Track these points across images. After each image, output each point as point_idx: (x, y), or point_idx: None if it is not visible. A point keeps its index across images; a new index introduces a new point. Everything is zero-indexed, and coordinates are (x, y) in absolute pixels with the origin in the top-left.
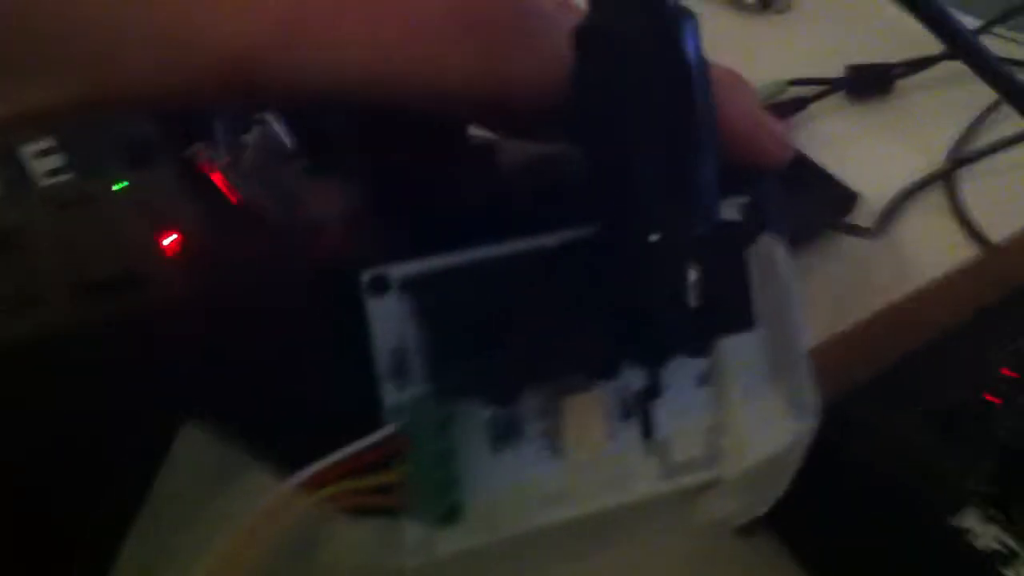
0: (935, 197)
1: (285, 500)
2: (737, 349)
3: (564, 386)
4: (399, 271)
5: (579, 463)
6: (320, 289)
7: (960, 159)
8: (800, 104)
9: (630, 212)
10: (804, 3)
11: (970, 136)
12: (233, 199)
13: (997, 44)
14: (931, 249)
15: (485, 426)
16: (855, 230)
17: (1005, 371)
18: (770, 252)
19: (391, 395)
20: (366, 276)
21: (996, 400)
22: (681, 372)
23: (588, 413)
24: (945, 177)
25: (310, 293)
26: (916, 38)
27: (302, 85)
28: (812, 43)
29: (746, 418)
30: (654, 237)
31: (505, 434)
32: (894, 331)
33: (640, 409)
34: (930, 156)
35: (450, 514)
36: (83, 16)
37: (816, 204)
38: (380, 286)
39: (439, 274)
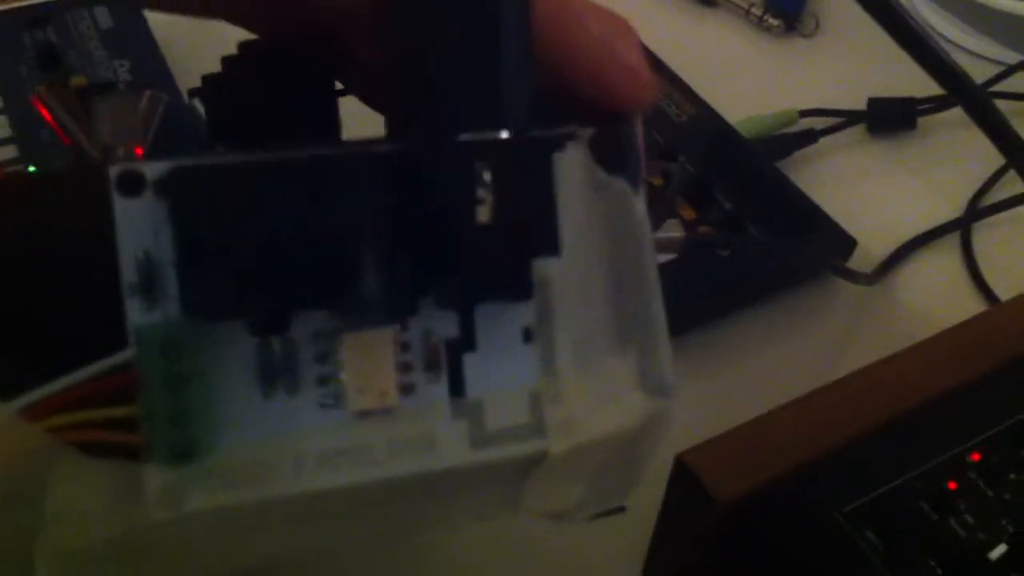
0: (948, 247)
1: (4, 427)
2: (570, 303)
3: (348, 320)
4: (155, 168)
5: (370, 420)
6: (70, 190)
7: (980, 208)
8: (809, 137)
9: (420, 113)
10: (832, 28)
11: (994, 183)
12: (63, 138)
13: None
14: (935, 304)
15: (251, 362)
16: (851, 275)
17: (975, 456)
18: (623, 202)
19: (137, 313)
20: (115, 171)
21: (956, 489)
22: (502, 324)
23: (374, 354)
24: (961, 226)
25: (61, 196)
26: None
27: None
28: (835, 72)
29: (581, 385)
30: (446, 139)
31: (277, 375)
32: (871, 394)
33: (449, 361)
34: (949, 201)
35: (186, 452)
36: None
37: (811, 247)
38: (132, 185)
39: (201, 173)
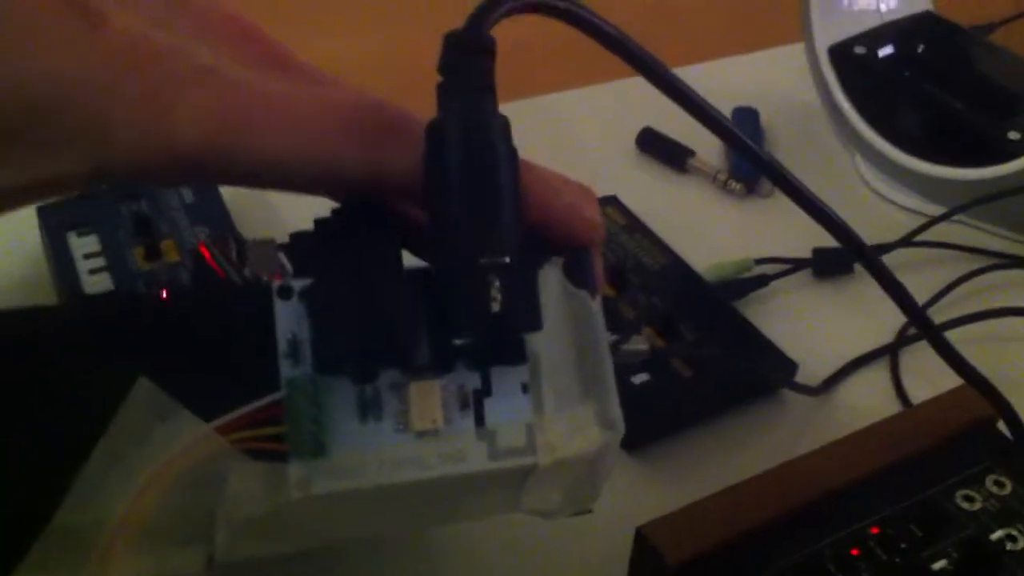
0: (880, 368)
1: (203, 439)
2: (552, 368)
3: (413, 375)
4: (299, 283)
5: (425, 440)
6: (248, 298)
7: (907, 336)
8: (762, 281)
9: (455, 247)
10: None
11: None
12: (220, 272)
13: (960, 231)
14: (867, 415)
15: (353, 400)
16: (799, 388)
17: (875, 530)
18: (584, 303)
19: (287, 369)
20: (275, 285)
21: (858, 555)
22: (508, 380)
23: (429, 397)
24: (890, 351)
25: (244, 303)
26: (879, 225)
27: (240, 170)
28: (787, 226)
29: (560, 422)
30: (472, 262)
31: (368, 408)
32: (797, 480)
33: (474, 403)
34: (881, 332)
35: (315, 453)
36: (86, 106)
37: (760, 370)
38: (285, 293)
39: (327, 289)
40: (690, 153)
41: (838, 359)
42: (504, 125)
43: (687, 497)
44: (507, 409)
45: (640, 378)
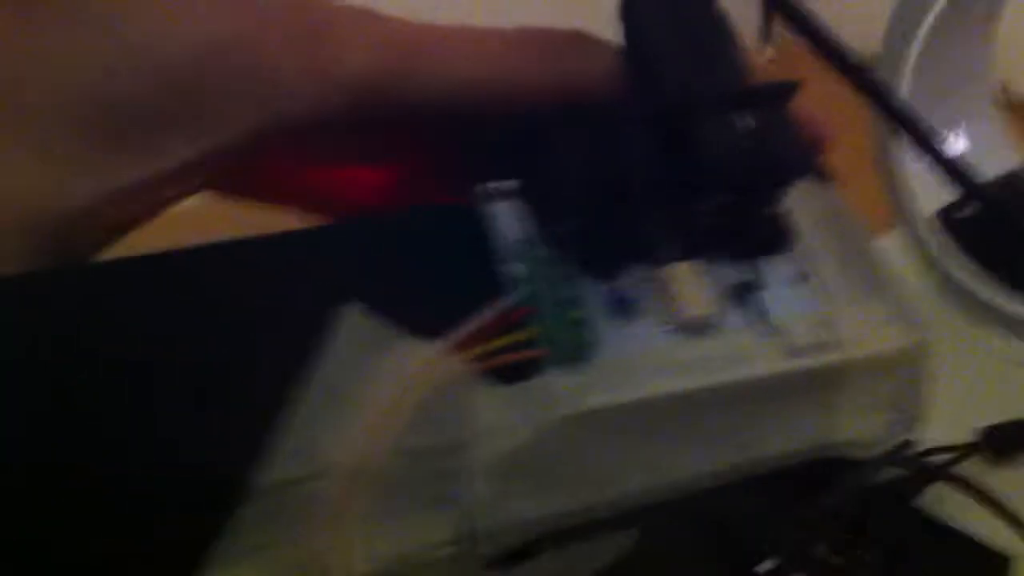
0: None
1: (432, 362)
2: (822, 260)
3: (664, 263)
4: (509, 185)
5: (701, 338)
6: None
7: None
8: (935, 473)
9: (677, 86)
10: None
11: None
12: None
13: None
14: None
15: (601, 297)
16: None
17: None
18: (831, 196)
19: (516, 271)
20: (479, 189)
21: None
22: (781, 270)
23: (693, 280)
24: None
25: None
26: None
27: (414, 93)
28: (946, 409)
29: (853, 314)
30: (696, 94)
31: (622, 307)
32: None
33: (748, 296)
34: None
35: (579, 354)
36: (263, 62)
37: (962, 572)
38: (494, 195)
39: (545, 180)
40: None
41: None
42: None
43: None
44: (790, 301)
45: None
